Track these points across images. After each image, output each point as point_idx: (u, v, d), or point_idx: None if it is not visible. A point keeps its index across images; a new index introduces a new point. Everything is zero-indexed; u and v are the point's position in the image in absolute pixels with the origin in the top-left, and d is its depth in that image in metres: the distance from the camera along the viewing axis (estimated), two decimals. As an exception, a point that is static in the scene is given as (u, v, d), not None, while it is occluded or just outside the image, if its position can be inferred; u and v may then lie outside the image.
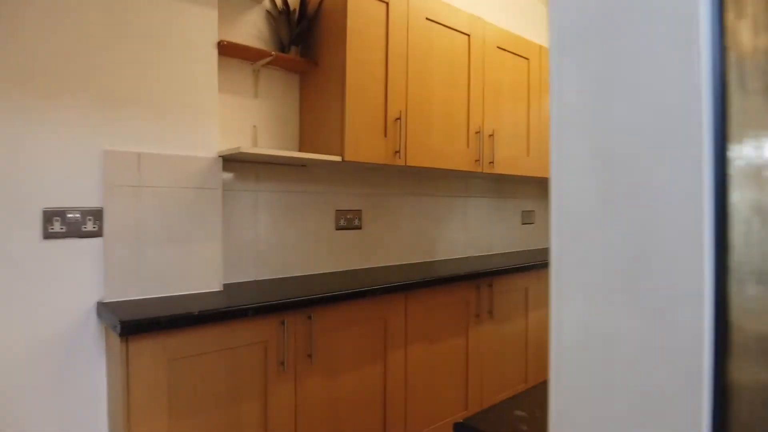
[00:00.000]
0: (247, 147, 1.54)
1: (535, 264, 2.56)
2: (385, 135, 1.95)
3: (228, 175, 1.80)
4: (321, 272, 2.11)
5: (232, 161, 1.81)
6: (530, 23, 3.30)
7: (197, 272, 1.60)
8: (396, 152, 1.98)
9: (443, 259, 2.68)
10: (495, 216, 3.01)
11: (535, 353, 2.67)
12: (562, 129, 0.36)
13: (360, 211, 2.24)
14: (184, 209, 1.56)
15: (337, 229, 2.16)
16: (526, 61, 2.68)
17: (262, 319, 1.49)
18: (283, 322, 1.55)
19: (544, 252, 3.13)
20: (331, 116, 1.84)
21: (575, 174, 0.34)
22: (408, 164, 2.03)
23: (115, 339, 1.28)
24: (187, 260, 1.58)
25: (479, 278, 2.19)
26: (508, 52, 2.55)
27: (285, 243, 1.98)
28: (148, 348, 1.27)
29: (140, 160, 1.49)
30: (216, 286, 1.65)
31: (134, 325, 1.22)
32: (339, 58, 1.82)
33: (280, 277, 1.97)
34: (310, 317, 1.61)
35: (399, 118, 1.98)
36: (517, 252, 3.12)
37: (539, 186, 3.40)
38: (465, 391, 2.24)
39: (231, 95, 1.82)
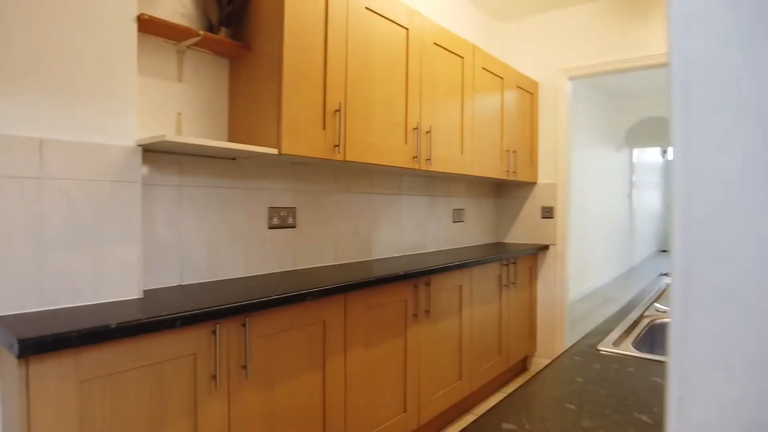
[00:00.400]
0: (173, 136, 1.37)
1: (470, 262, 2.57)
2: (324, 127, 1.84)
3: (148, 168, 1.60)
4: (253, 274, 1.95)
5: (153, 152, 1.61)
6: (459, 23, 3.33)
7: (113, 278, 1.39)
8: (335, 146, 1.88)
9: (379, 258, 2.61)
10: (428, 214, 3.00)
11: (468, 350, 2.69)
12: (695, 94, 0.27)
13: (294, 208, 2.11)
14: (97, 206, 1.35)
15: (269, 227, 2.01)
16: (460, 59, 2.69)
17: (190, 329, 1.33)
18: (214, 332, 1.39)
19: (475, 249, 3.18)
20: (266, 106, 1.70)
21: (719, 153, 0.28)
22: (347, 159, 1.94)
23: (12, 361, 1.07)
24: (100, 264, 1.37)
25: (417, 277, 2.16)
26: (444, 49, 2.54)
27: (213, 243, 1.80)
28: (53, 369, 1.07)
29: (42, 147, 1.26)
30: (135, 293, 1.45)
31: (36, 343, 1.02)
32: (275, 43, 1.68)
33: (208, 281, 1.79)
34: (244, 324, 1.47)
35: (338, 110, 1.88)
36: (449, 250, 3.14)
37: (469, 184, 3.45)
38: (403, 394, 2.19)
39: (152, 78, 1.62)
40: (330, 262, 2.31)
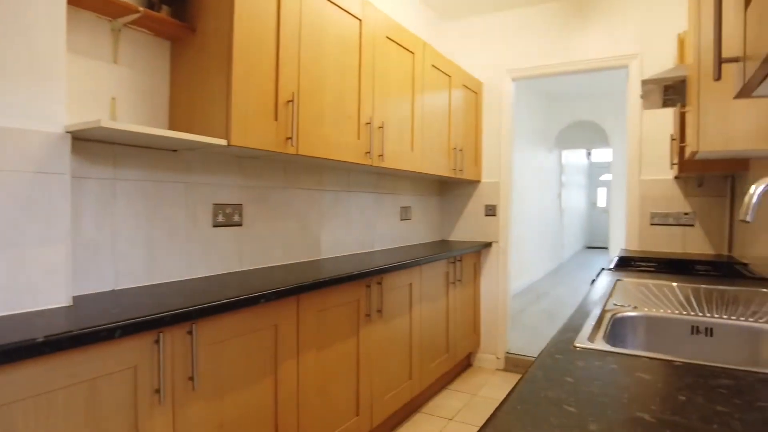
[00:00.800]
0: (109, 122, 1.21)
1: (420, 260, 2.55)
2: (276, 119, 1.73)
3: (77, 159, 1.42)
4: (196, 277, 1.80)
5: (84, 140, 1.42)
6: (407, 19, 3.31)
7: (37, 283, 1.21)
8: (288, 139, 1.77)
9: (328, 257, 2.52)
10: (376, 212, 2.95)
11: (418, 349, 2.67)
12: None
13: (240, 205, 1.98)
14: (16, 200, 1.17)
15: (214, 225, 1.86)
16: (411, 55, 2.66)
17: (129, 339, 1.18)
18: (157, 341, 1.25)
19: (423, 247, 3.17)
20: (214, 93, 1.57)
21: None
22: (300, 153, 1.84)
23: None
24: (20, 268, 1.18)
25: (370, 276, 2.09)
26: (396, 43, 2.50)
27: (151, 243, 1.64)
28: (-37, 394, 0.90)
29: (-56, 130, 1.06)
30: (63, 300, 1.27)
31: (-59, 364, 0.85)
32: (224, 25, 1.55)
33: (146, 284, 1.63)
34: (190, 332, 1.34)
35: (291, 101, 1.78)
36: (398, 248, 3.11)
37: (415, 182, 3.43)
38: (356, 396, 2.12)
39: (83, 58, 1.43)
40: (278, 261, 2.19)
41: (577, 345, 0.99)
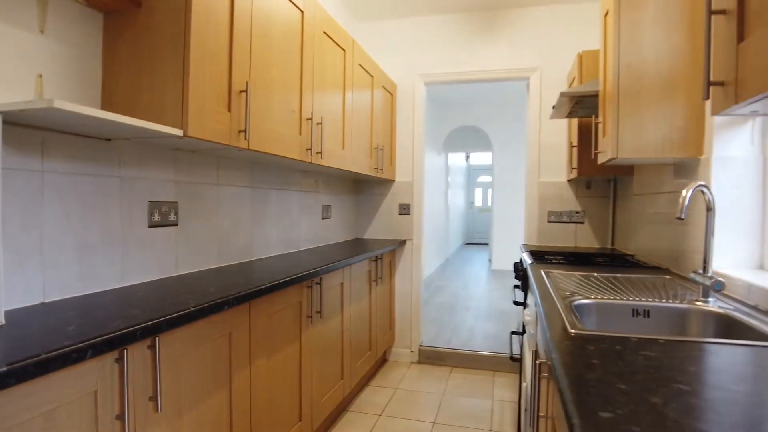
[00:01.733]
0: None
1: (352, 259, 2.54)
2: (230, 109, 1.60)
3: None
4: (133, 283, 1.59)
5: (9, 123, 1.18)
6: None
7: (-31, 298, 0.98)
8: (241, 132, 1.65)
9: (261, 258, 2.40)
10: (301, 211, 2.87)
11: (348, 348, 2.66)
12: None
13: (176, 203, 1.80)
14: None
15: (150, 225, 1.67)
16: (342, 52, 2.63)
17: (86, 361, 1.01)
18: (119, 359, 1.09)
19: (343, 246, 3.16)
20: (166, 77, 1.40)
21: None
22: (252, 148, 1.72)
23: None
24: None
25: (311, 277, 2.04)
26: (331, 39, 2.46)
27: (84, 247, 1.41)
28: None
29: None
30: (-6, 317, 1.05)
31: None
32: (179, 4, 1.39)
33: (79, 295, 1.40)
34: (152, 347, 1.19)
35: (244, 91, 1.66)
36: (321, 247, 3.06)
37: (335, 181, 3.41)
38: (299, 401, 2.05)
39: (2, 24, 1.18)
40: (213, 264, 2.03)
41: (571, 331, 1.08)
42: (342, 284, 2.55)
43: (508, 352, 3.63)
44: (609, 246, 3.33)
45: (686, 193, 1.38)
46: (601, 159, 2.13)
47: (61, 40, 1.34)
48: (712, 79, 0.90)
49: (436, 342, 3.94)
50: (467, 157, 12.61)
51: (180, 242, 1.81)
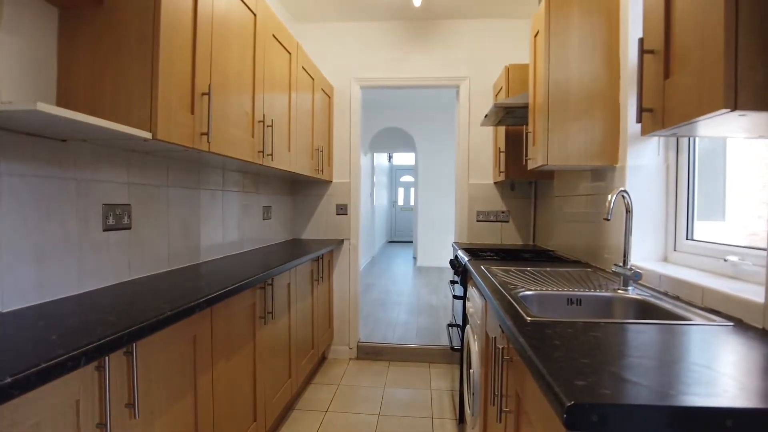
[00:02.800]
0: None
1: (299, 260, 2.58)
2: (192, 112, 1.60)
3: (-50, 146, 1.10)
4: (91, 289, 1.54)
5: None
6: (267, 16, 3.26)
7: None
8: (203, 134, 1.65)
9: (209, 260, 2.36)
10: (244, 212, 2.86)
11: (294, 348, 2.70)
12: None
13: (129, 206, 1.75)
14: None
15: (105, 229, 1.61)
16: (288, 55, 2.66)
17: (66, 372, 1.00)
18: (99, 367, 1.09)
19: (285, 246, 3.17)
20: (132, 78, 1.38)
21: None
22: (212, 150, 1.72)
23: None
24: None
25: (265, 279, 2.07)
26: (279, 42, 2.48)
27: (42, 253, 1.35)
28: None
29: None
30: (-34, 328, 1.00)
31: None
32: (147, 2, 1.38)
33: (37, 303, 1.34)
34: (129, 352, 1.19)
35: (207, 94, 1.66)
36: (264, 248, 3.05)
37: (274, 181, 3.41)
38: (254, 402, 2.08)
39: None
40: (164, 268, 1.98)
41: (528, 318, 1.24)
42: (289, 285, 2.58)
43: (441, 344, 3.84)
44: (531, 243, 3.65)
45: (612, 198, 1.61)
46: (531, 165, 2.37)
47: (18, 33, 1.27)
48: (644, 106, 1.10)
49: (373, 338, 4.07)
50: (390, 157, 12.90)
51: (133, 246, 1.77)
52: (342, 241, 3.84)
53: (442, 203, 8.43)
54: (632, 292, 1.65)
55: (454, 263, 2.89)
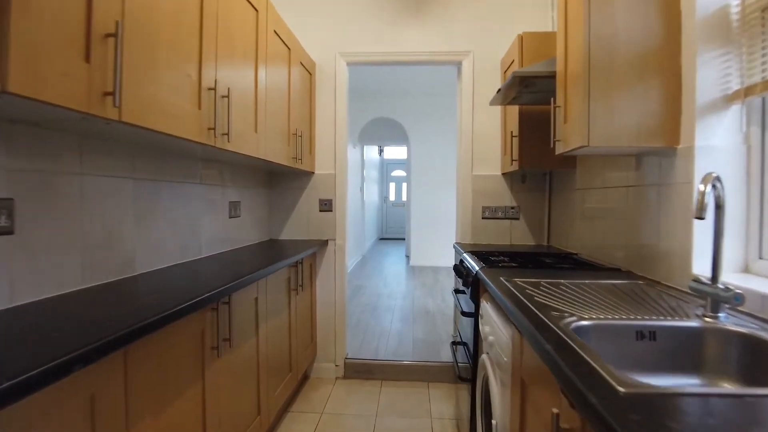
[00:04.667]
0: None
1: (269, 268, 2.07)
2: (88, 59, 1.07)
3: None
4: None
5: None
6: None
7: None
8: (107, 94, 1.12)
9: (149, 271, 1.84)
10: (202, 208, 2.33)
11: (265, 375, 2.18)
12: None
13: (11, 200, 1.22)
14: None
15: (-41, 235, 1.08)
16: (255, 12, 2.13)
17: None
18: None
19: (257, 249, 2.65)
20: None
21: None
22: (124, 119, 1.20)
23: None
24: None
25: (218, 298, 1.55)
26: (240, -8, 1.95)
27: None
28: None
29: None
30: None
31: None
32: None
33: None
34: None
35: (114, 35, 1.13)
36: (229, 252, 2.53)
37: (244, 172, 2.88)
38: (203, 459, 1.56)
39: None
40: (75, 286, 1.45)
41: (619, 389, 0.74)
42: (257, 299, 2.07)
43: (441, 360, 3.35)
44: (545, 243, 3.16)
45: (705, 188, 1.11)
46: (562, 149, 1.87)
47: None
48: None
49: (363, 352, 3.56)
50: (381, 150, 12.38)
51: (17, 258, 1.24)
52: (326, 241, 3.32)
53: (436, 199, 7.93)
54: (727, 322, 1.16)
55: (461, 271, 2.39)
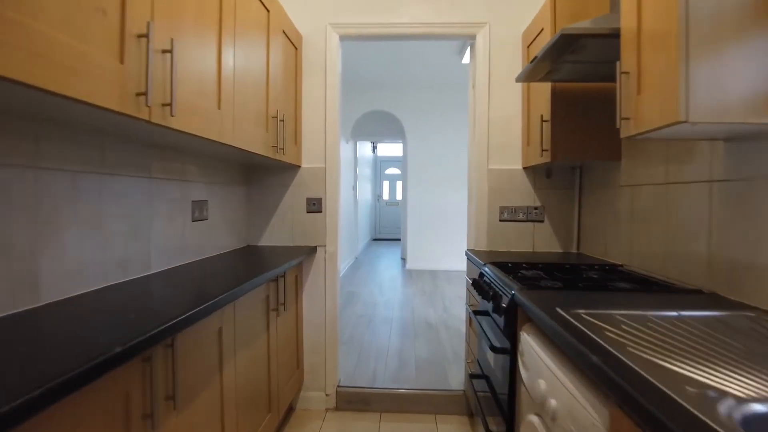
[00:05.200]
0: None
1: (236, 291, 1.55)
2: None
3: None
4: None
5: None
6: None
7: None
8: None
9: (59, 300, 1.31)
10: (153, 209, 1.81)
11: (236, 426, 1.66)
12: None
13: None
14: None
15: None
16: (216, -53, 1.61)
17: None
18: None
19: (229, 260, 2.13)
20: None
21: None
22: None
23: None
24: None
25: (153, 344, 1.03)
26: None
27: None
28: None
29: None
30: None
31: None
32: None
33: None
34: None
35: None
36: (193, 264, 2.01)
37: (215, 163, 2.35)
38: None
39: None
40: None
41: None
42: (221, 330, 1.55)
43: (450, 388, 2.84)
44: (574, 250, 2.67)
45: None
46: (633, 130, 1.37)
47: None
48: None
49: (358, 376, 3.05)
50: (374, 147, 11.86)
51: None
52: (315, 248, 2.80)
53: (435, 198, 7.42)
54: None
55: (483, 289, 1.88)
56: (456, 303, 5.21)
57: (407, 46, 5.24)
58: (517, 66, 2.69)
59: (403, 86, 7.23)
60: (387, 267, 7.81)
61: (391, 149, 12.37)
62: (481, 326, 1.89)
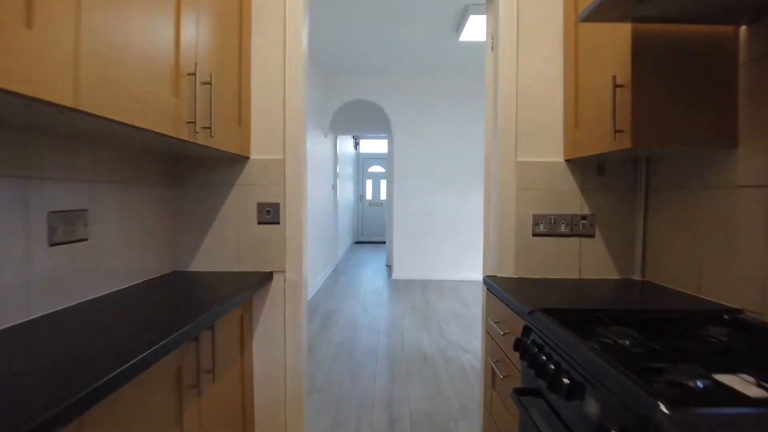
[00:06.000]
0: None
1: (97, 387, 0.71)
2: None
3: None
4: None
5: None
6: None
7: None
8: None
9: None
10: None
11: None
12: None
13: None
14: None
15: None
16: None
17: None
18: None
19: (120, 303, 1.29)
20: None
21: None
22: None
23: None
24: None
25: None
26: None
27: None
28: None
29: None
30: None
31: None
32: None
33: None
34: None
35: None
36: (48, 319, 1.15)
37: (117, 152, 1.50)
38: None
39: None
40: None
41: None
42: (180, 368, 0.71)
43: (463, 469, 2.04)
44: (638, 277, 1.89)
45: None
46: None
47: None
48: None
49: (332, 446, 2.23)
50: (356, 144, 11.02)
51: None
52: (271, 275, 1.97)
53: (424, 198, 6.63)
54: None
55: (544, 369, 1.08)
56: (452, 323, 4.42)
57: (394, 24, 4.42)
58: (558, 11, 1.90)
59: (389, 72, 6.40)
60: (371, 277, 6.98)
61: (374, 145, 11.55)
62: (526, 410, 1.09)
